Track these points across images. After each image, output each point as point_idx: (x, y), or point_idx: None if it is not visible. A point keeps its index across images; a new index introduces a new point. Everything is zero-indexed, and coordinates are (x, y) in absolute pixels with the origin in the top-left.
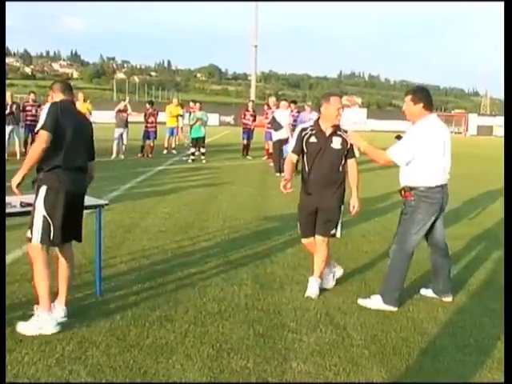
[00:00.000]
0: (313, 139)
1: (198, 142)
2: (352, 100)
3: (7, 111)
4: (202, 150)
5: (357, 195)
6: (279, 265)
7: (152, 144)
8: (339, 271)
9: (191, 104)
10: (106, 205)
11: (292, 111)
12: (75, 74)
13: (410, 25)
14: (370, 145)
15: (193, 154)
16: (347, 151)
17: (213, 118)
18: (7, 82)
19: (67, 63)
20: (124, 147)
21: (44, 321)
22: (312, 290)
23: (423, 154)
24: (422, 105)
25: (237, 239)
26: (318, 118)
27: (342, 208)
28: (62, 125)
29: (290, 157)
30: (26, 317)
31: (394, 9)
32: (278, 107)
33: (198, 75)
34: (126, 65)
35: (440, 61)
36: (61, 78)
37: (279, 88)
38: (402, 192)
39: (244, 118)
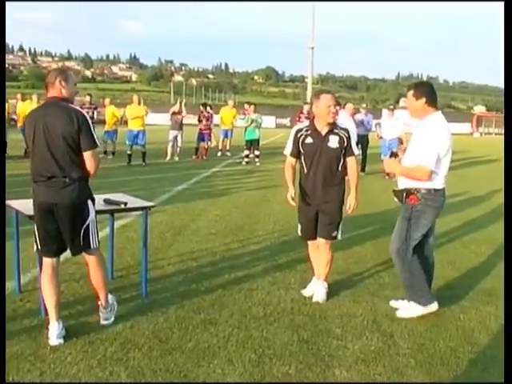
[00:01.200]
0: (309, 140)
1: (252, 144)
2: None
3: None
4: (256, 153)
5: (355, 194)
6: None
7: (206, 146)
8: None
9: (246, 106)
10: (153, 207)
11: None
12: (134, 77)
13: (471, 25)
14: (404, 166)
15: (247, 156)
16: (345, 149)
17: (269, 121)
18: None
19: (126, 66)
20: (179, 149)
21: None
22: (320, 294)
23: (440, 154)
24: (424, 100)
25: (286, 243)
26: (313, 118)
27: (344, 209)
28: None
29: (289, 160)
30: (72, 316)
31: (453, 9)
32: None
33: (255, 77)
34: (183, 67)
35: (501, 62)
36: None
37: (336, 90)
38: (404, 194)
39: (299, 120)
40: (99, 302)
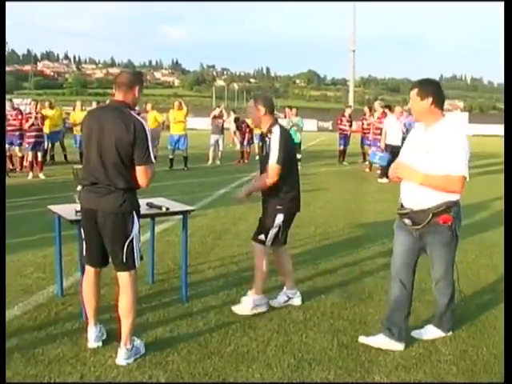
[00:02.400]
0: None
1: None
2: (454, 104)
3: None
4: (298, 156)
5: (250, 188)
6: (369, 274)
7: (248, 150)
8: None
9: (287, 110)
10: (193, 211)
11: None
12: (176, 82)
13: None
14: (430, 175)
15: None
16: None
17: (311, 124)
18: (112, 91)
19: (169, 72)
20: (220, 153)
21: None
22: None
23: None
24: (430, 100)
25: (327, 246)
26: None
27: (281, 216)
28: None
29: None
30: (113, 319)
31: (496, 9)
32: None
33: (297, 81)
34: (225, 72)
35: None
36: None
37: (378, 93)
38: (430, 215)
39: (340, 123)
40: (122, 341)
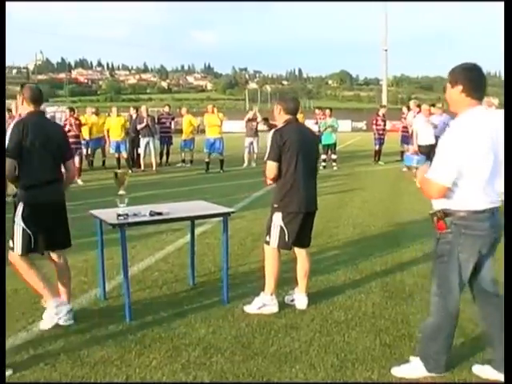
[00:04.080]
0: None
1: (329, 148)
2: (489, 101)
3: (143, 124)
4: (333, 157)
5: None
6: (409, 273)
7: None
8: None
9: (317, 111)
10: (232, 213)
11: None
12: (209, 86)
13: None
14: (422, 176)
15: (324, 160)
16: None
17: (345, 125)
18: (145, 96)
19: (201, 76)
20: (255, 155)
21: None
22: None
23: (467, 164)
24: (460, 88)
25: (366, 246)
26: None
27: (278, 215)
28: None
29: None
30: (156, 321)
31: None
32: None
33: (330, 82)
34: (257, 75)
35: None
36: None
37: (412, 92)
38: (435, 219)
39: (376, 123)
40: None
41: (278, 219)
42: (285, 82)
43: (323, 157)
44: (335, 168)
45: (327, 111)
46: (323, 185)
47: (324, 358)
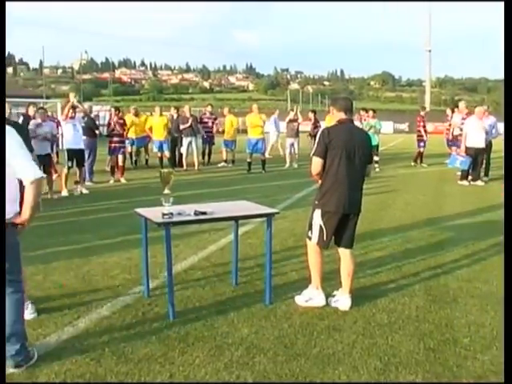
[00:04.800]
0: None
1: (371, 149)
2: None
3: (187, 124)
4: (376, 158)
5: None
6: (453, 276)
7: None
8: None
9: (362, 112)
10: (277, 213)
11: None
12: (251, 86)
13: None
14: None
15: None
16: None
17: (388, 126)
18: (187, 96)
19: (243, 76)
20: (296, 156)
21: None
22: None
23: None
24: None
25: (409, 249)
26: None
27: (318, 212)
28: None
29: None
30: (199, 319)
31: None
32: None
33: (372, 83)
34: (299, 75)
35: None
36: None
37: (455, 93)
38: None
39: (419, 125)
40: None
41: (317, 217)
42: (326, 83)
43: None
44: (377, 170)
45: (370, 112)
46: (365, 186)
47: (367, 360)
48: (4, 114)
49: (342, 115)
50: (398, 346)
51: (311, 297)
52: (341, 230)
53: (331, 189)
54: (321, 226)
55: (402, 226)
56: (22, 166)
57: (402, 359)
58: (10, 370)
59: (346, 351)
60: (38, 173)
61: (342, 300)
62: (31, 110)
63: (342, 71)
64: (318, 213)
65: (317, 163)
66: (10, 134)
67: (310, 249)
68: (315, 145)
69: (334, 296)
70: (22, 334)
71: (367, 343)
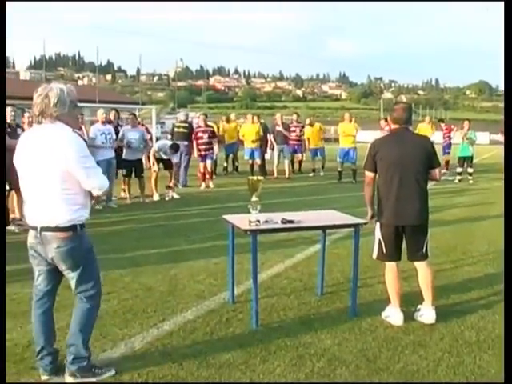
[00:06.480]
0: None
1: (465, 161)
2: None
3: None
4: (470, 170)
5: None
6: None
7: None
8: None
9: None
10: (365, 224)
11: None
12: (344, 95)
13: None
14: None
15: (459, 173)
16: None
17: (483, 137)
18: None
19: (336, 85)
20: None
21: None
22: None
23: None
24: None
25: (502, 265)
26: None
27: (377, 225)
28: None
29: None
30: (282, 329)
31: None
32: None
33: (467, 92)
34: (393, 84)
35: None
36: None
37: None
38: None
39: None
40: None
41: (377, 230)
42: (421, 92)
43: (459, 170)
44: (471, 182)
45: (465, 123)
46: (457, 199)
47: (453, 379)
48: (4, 113)
49: (395, 126)
50: (486, 367)
51: (389, 314)
52: (407, 243)
53: (382, 201)
54: (379, 239)
55: (494, 241)
56: (86, 178)
57: (490, 380)
58: (66, 376)
59: (431, 368)
60: (105, 184)
61: (427, 313)
62: (112, 115)
63: (437, 80)
64: (377, 226)
65: (367, 176)
66: (75, 141)
67: (386, 268)
68: (366, 156)
69: (418, 310)
70: (80, 345)
71: (453, 361)
